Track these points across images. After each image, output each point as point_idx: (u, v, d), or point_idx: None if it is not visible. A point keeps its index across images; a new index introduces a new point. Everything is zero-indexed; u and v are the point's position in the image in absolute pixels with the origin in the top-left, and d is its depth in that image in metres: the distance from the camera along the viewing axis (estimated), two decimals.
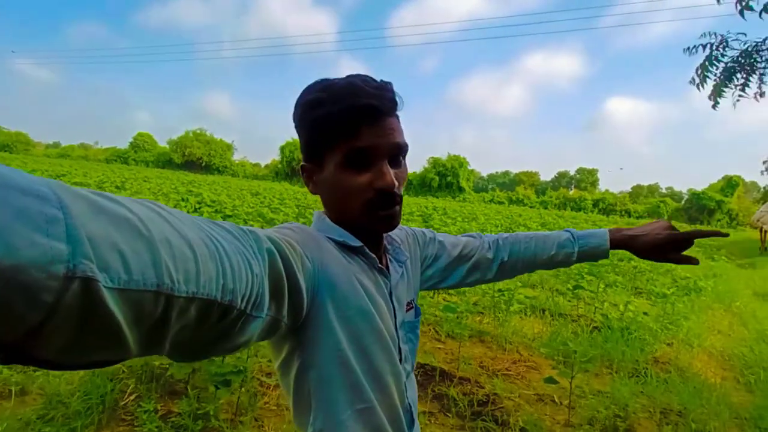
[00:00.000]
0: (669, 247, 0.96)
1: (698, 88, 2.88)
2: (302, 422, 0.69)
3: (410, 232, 0.94)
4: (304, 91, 0.71)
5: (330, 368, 0.65)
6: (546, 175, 78.50)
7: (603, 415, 2.73)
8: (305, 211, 12.47)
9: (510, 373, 3.44)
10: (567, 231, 1.04)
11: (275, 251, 0.50)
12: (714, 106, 2.92)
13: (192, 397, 2.34)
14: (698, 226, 26.19)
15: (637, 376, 3.51)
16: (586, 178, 70.86)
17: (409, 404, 0.78)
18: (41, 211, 0.25)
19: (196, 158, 52.21)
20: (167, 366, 2.58)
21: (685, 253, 0.97)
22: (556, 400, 3.03)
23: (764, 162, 20.74)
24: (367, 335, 0.68)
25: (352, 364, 0.66)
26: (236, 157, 58.48)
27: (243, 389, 2.47)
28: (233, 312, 0.41)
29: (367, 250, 0.73)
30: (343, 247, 0.72)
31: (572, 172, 74.35)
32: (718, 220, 36.56)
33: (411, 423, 0.77)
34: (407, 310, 0.82)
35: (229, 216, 8.11)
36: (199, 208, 9.62)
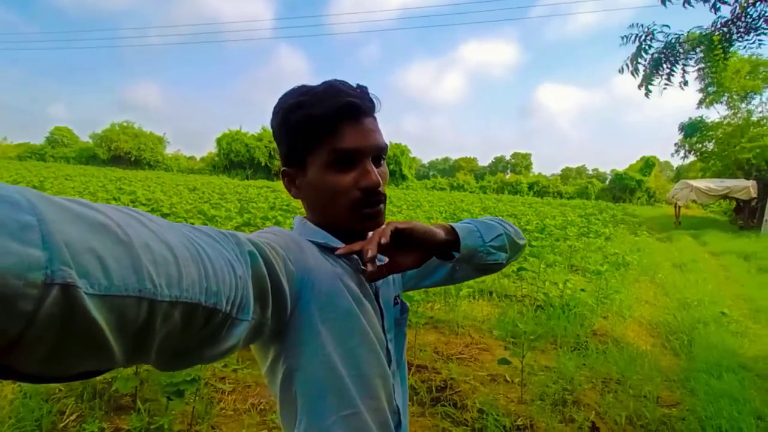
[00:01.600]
0: None
1: (633, 75, 3.08)
2: (288, 426, 0.68)
3: None
4: (282, 97, 0.72)
5: (315, 372, 0.64)
6: (484, 161, 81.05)
7: (552, 390, 2.89)
8: (248, 205, 12.06)
9: (464, 356, 3.55)
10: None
11: (257, 254, 0.49)
12: (646, 94, 3.14)
13: (142, 411, 2.20)
14: (622, 205, 28.20)
15: (579, 350, 3.75)
16: (521, 162, 74.14)
17: (397, 406, 0.76)
18: (14, 218, 0.25)
19: (123, 153, 48.56)
20: (110, 380, 2.39)
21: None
22: (509, 378, 3.17)
23: (675, 144, 22.65)
24: (353, 338, 0.67)
25: (338, 368, 0.65)
26: (169, 150, 55.07)
27: (197, 398, 2.35)
28: (218, 315, 0.40)
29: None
30: (326, 249, 0.71)
31: (508, 157, 77.47)
32: (638, 198, 39.74)
33: (399, 425, 0.77)
34: (394, 305, 0.82)
35: (167, 215, 7.65)
36: (134, 207, 8.98)
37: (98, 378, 2.42)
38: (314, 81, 0.73)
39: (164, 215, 7.58)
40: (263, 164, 44.71)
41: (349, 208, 0.70)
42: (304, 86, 0.71)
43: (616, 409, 2.77)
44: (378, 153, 0.72)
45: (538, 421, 2.57)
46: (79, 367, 0.31)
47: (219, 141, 45.81)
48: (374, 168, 0.70)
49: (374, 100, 0.72)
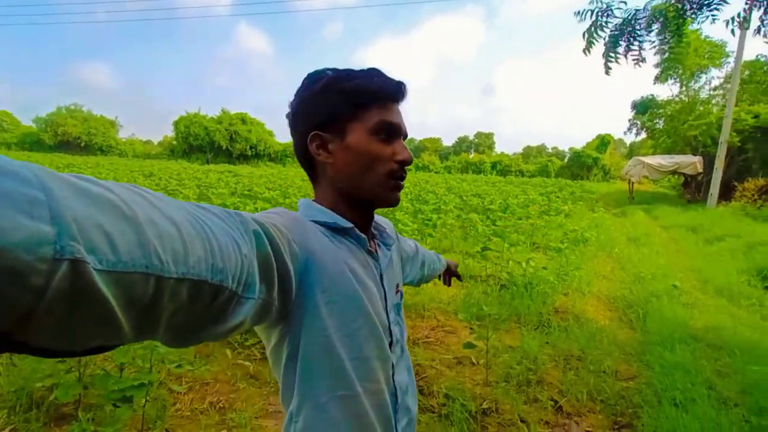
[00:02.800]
0: (454, 274, 1.49)
1: (585, 53, 3.06)
2: (286, 402, 0.70)
3: (390, 224, 0.97)
4: (317, 72, 0.74)
5: (316, 353, 0.66)
6: (448, 141, 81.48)
7: (516, 371, 2.92)
8: (207, 191, 11.63)
9: (430, 340, 3.54)
10: (438, 256, 1.35)
11: (262, 233, 0.50)
12: (607, 72, 3.14)
13: (84, 420, 2.04)
14: (580, 182, 29.19)
15: (542, 327, 3.82)
16: (484, 141, 75.23)
17: (396, 388, 0.78)
18: (23, 193, 0.25)
19: (72, 138, 45.61)
20: (51, 387, 2.21)
21: None
22: (474, 360, 3.18)
23: (628, 121, 23.52)
24: (355, 320, 0.69)
25: (338, 351, 0.66)
26: (123, 135, 52.32)
27: (148, 401, 2.21)
28: (224, 293, 0.41)
29: (358, 232, 0.74)
30: (332, 230, 0.73)
31: (471, 137, 78.28)
32: (595, 175, 41.18)
33: (397, 407, 0.78)
34: (396, 293, 0.84)
35: None
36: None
37: (37, 385, 2.23)
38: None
39: None
40: (224, 147, 43.26)
41: (385, 175, 0.74)
42: (338, 69, 0.75)
43: (578, 386, 2.83)
44: (406, 136, 0.78)
45: (503, 403, 2.59)
46: (89, 342, 0.32)
47: (176, 124, 43.89)
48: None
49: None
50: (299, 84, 0.76)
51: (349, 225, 0.73)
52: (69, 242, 0.26)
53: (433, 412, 2.51)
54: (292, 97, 0.77)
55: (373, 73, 0.73)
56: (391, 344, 0.77)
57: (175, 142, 45.72)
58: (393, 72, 0.75)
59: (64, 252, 0.26)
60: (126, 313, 0.31)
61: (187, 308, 0.38)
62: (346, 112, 0.72)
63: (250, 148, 44.63)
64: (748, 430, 2.29)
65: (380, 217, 0.93)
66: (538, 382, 2.84)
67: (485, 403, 2.59)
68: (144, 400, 2.15)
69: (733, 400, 2.65)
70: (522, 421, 2.45)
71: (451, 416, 2.44)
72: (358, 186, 0.74)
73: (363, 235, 0.75)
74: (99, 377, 2.02)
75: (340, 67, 0.75)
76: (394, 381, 0.78)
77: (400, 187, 0.77)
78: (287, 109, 0.78)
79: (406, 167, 0.76)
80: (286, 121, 0.79)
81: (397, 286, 0.86)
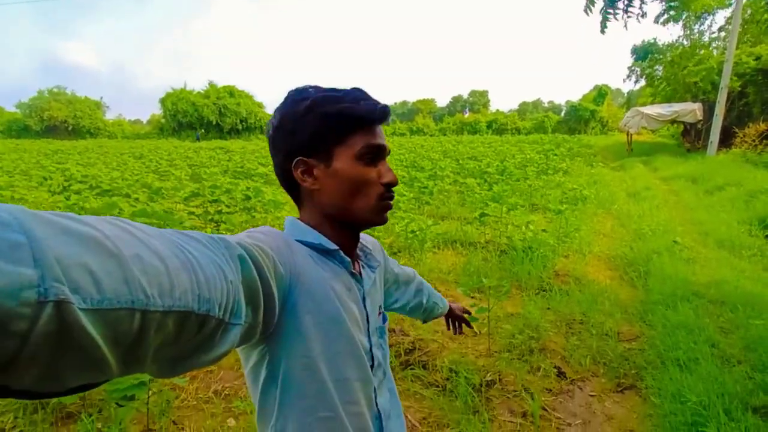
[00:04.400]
0: (459, 318, 1.43)
1: (586, 12, 2.89)
2: (264, 425, 0.70)
3: (377, 244, 0.96)
4: (299, 90, 0.72)
5: (297, 374, 0.65)
6: (442, 101, 79.77)
7: (519, 340, 2.91)
8: (199, 170, 11.47)
9: None
10: (443, 300, 1.31)
11: (247, 257, 0.49)
12: (602, 31, 2.97)
13: (87, 420, 2.03)
14: (577, 136, 28.83)
15: (543, 292, 3.81)
16: (479, 100, 73.69)
17: (379, 411, 0.78)
18: (3, 238, 0.25)
19: (59, 122, 44.50)
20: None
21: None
22: (476, 330, 3.17)
23: (628, 68, 22.93)
24: (337, 342, 0.69)
25: (320, 372, 0.66)
26: (109, 116, 51.15)
27: (152, 398, 2.21)
28: (211, 322, 0.41)
29: (342, 254, 0.74)
30: (316, 251, 0.72)
31: (466, 96, 76.73)
32: (593, 128, 40.52)
33: (380, 430, 0.78)
34: (378, 315, 0.83)
35: (108, 191, 7.07)
36: (69, 186, 8.16)
37: None
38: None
39: (105, 192, 7.01)
40: (214, 123, 42.42)
41: (375, 198, 0.74)
42: (321, 87, 0.73)
43: (581, 351, 2.83)
44: (389, 153, 0.78)
45: (507, 374, 2.59)
46: (75, 382, 0.31)
47: (163, 102, 42.73)
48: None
49: None
50: (281, 101, 0.74)
51: (334, 247, 0.73)
52: (53, 284, 0.26)
53: (437, 387, 2.52)
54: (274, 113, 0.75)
55: (359, 96, 0.72)
56: (372, 367, 0.77)
57: (163, 120, 44.55)
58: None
59: (48, 294, 0.26)
60: (113, 350, 0.31)
61: (173, 339, 0.37)
62: (331, 136, 0.71)
63: (241, 121, 43.60)
64: (752, 387, 2.29)
65: (366, 237, 0.93)
66: (540, 349, 2.84)
67: (489, 374, 2.59)
68: (147, 396, 2.15)
69: (737, 357, 2.65)
70: (526, 390, 2.46)
71: (455, 390, 2.45)
72: (346, 211, 0.74)
73: (347, 258, 0.75)
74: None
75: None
76: (377, 404, 0.78)
77: (389, 208, 0.77)
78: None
79: (392, 188, 0.76)
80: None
81: (380, 308, 0.85)
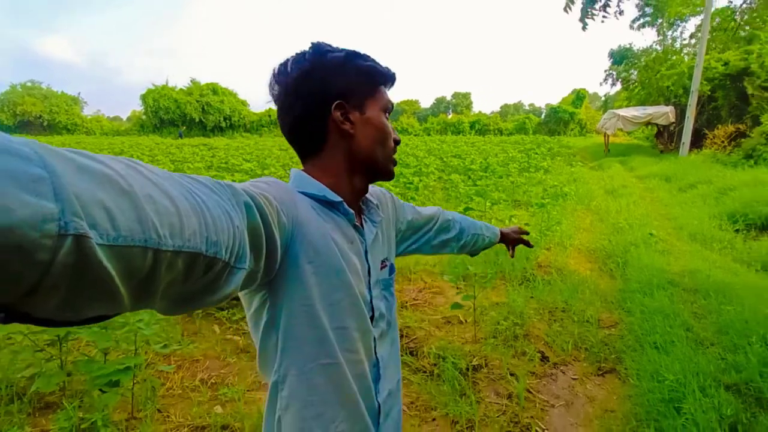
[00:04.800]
0: (517, 241, 1.45)
1: (566, 10, 2.98)
2: (267, 369, 0.72)
3: (388, 195, 0.98)
4: (321, 44, 0.76)
5: (298, 322, 0.67)
6: (426, 102, 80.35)
7: (504, 326, 2.98)
8: (182, 166, 11.29)
9: (418, 302, 3.58)
10: (486, 224, 1.32)
11: (253, 205, 0.51)
12: (583, 28, 3.07)
13: (69, 408, 1.99)
14: (557, 137, 29.41)
15: (527, 282, 3.90)
16: (462, 101, 74.46)
17: (377, 359, 0.80)
18: (26, 172, 0.26)
19: (33, 117, 43.07)
20: (33, 377, 2.14)
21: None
22: (462, 319, 3.24)
23: (604, 71, 23.56)
24: (336, 291, 0.70)
25: (320, 319, 0.68)
26: (87, 112, 49.71)
27: (137, 385, 2.19)
28: (218, 264, 0.42)
29: (346, 206, 0.75)
30: (320, 203, 0.74)
31: (449, 97, 77.37)
32: (572, 130, 41.33)
33: (378, 378, 0.80)
34: (381, 268, 0.85)
35: None
36: None
37: (17, 376, 2.16)
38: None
39: None
40: (197, 120, 41.69)
41: (392, 149, 0.81)
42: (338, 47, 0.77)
43: (563, 337, 2.92)
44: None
45: (492, 359, 2.66)
46: (90, 312, 0.33)
47: (144, 98, 41.76)
48: None
49: None
50: (301, 50, 0.76)
51: (338, 199, 0.74)
52: (72, 218, 0.27)
53: (425, 372, 2.57)
54: (283, 65, 0.75)
55: (375, 59, 0.79)
56: (373, 318, 0.79)
57: (144, 117, 43.57)
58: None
59: (68, 228, 0.27)
60: (125, 285, 0.33)
61: (182, 279, 0.39)
62: (365, 88, 0.77)
63: (224, 119, 43.04)
64: (724, 366, 2.41)
65: (375, 188, 0.94)
66: (525, 335, 2.92)
67: (475, 359, 2.65)
68: (132, 383, 2.13)
69: (710, 339, 2.77)
70: (511, 374, 2.52)
71: (442, 375, 2.50)
72: (372, 157, 0.79)
73: (351, 210, 0.76)
74: (82, 363, 1.97)
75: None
76: (376, 354, 0.80)
77: (396, 162, 0.84)
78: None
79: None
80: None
81: (384, 261, 0.87)
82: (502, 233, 1.38)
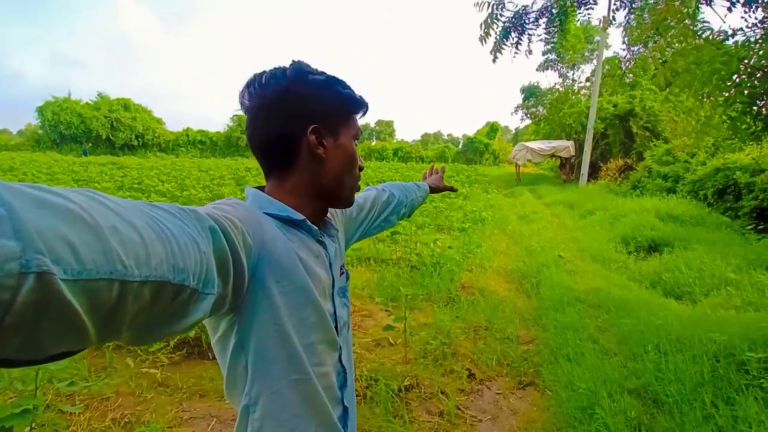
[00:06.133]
0: (444, 188, 1.57)
1: (481, 42, 3.26)
2: (235, 394, 0.72)
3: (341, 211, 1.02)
4: (303, 64, 0.77)
5: (269, 341, 0.68)
6: None
7: (432, 346, 3.07)
8: (88, 185, 10.30)
9: None
10: (416, 183, 1.41)
11: (218, 229, 0.51)
12: (494, 61, 3.38)
13: None
14: (474, 166, 31.26)
15: (452, 302, 4.06)
16: (385, 129, 76.69)
17: (343, 367, 0.82)
18: None
19: None
20: None
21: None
22: (392, 341, 3.28)
23: (515, 106, 25.88)
24: (305, 308, 0.72)
25: (290, 338, 0.69)
26: None
27: (34, 430, 1.94)
28: (186, 291, 0.43)
29: (309, 223, 0.76)
30: (283, 222, 0.74)
31: (373, 125, 79.36)
32: (486, 159, 44.28)
33: (344, 384, 0.83)
34: (340, 275, 0.87)
35: None
36: None
37: None
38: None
39: None
40: (104, 137, 38.30)
41: (358, 177, 0.85)
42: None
43: (488, 354, 3.07)
44: None
45: (423, 378, 2.72)
46: (54, 349, 0.32)
47: (42, 111, 37.49)
48: None
49: None
50: (280, 66, 0.76)
51: (301, 217, 0.75)
52: (34, 255, 0.27)
53: (358, 395, 2.55)
54: (260, 77, 0.75)
55: (350, 86, 0.81)
56: (337, 328, 0.81)
57: (41, 131, 39.25)
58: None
59: (30, 265, 0.27)
60: (92, 318, 0.32)
61: (149, 308, 0.38)
62: (342, 115, 0.80)
63: (136, 137, 40.01)
64: (626, 373, 2.69)
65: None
66: (453, 354, 3.02)
67: (406, 380, 2.69)
68: (29, 427, 1.88)
69: (613, 350, 3.08)
70: (441, 392, 2.60)
71: (375, 397, 2.50)
72: (340, 184, 0.81)
73: (314, 227, 0.78)
74: None
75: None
76: (342, 362, 0.82)
77: (359, 189, 0.89)
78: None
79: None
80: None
81: (342, 268, 0.90)
82: (430, 187, 1.50)
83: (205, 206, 0.58)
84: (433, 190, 1.51)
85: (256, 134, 0.76)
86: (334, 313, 0.81)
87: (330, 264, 0.81)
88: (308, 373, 0.72)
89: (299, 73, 0.75)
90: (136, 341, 0.43)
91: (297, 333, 0.70)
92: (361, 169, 0.85)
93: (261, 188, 0.81)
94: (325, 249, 0.81)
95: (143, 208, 0.41)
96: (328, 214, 0.90)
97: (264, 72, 0.75)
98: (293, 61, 0.77)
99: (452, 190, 1.60)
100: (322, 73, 0.78)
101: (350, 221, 1.06)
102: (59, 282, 0.28)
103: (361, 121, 0.85)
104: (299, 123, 0.74)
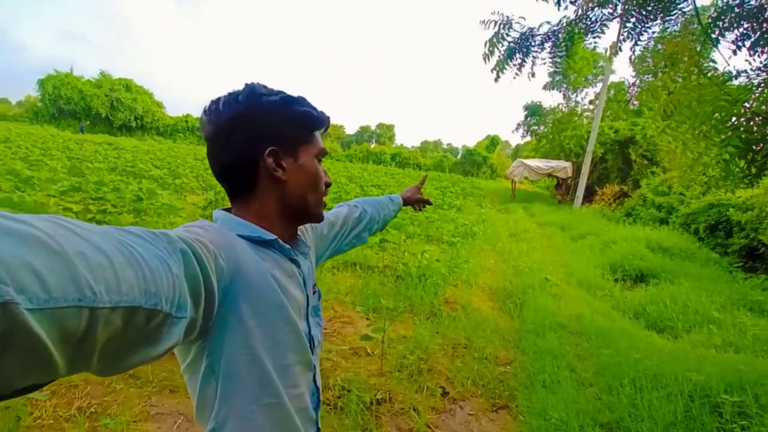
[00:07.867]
0: (419, 201, 1.54)
1: (485, 61, 3.26)
2: (204, 418, 0.70)
3: (307, 226, 1.00)
4: (258, 86, 0.76)
5: (239, 365, 0.66)
6: (350, 129, 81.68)
7: (409, 360, 3.04)
8: (81, 164, 10.20)
9: (327, 331, 3.53)
10: (389, 197, 1.40)
11: (189, 251, 0.50)
12: (496, 80, 3.39)
13: None
14: (470, 178, 31.44)
15: (434, 317, 4.03)
16: (385, 133, 76.92)
17: (316, 387, 0.82)
18: None
19: None
20: None
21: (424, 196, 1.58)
22: (370, 351, 3.24)
23: (517, 123, 26.10)
24: (281, 329, 0.71)
25: (262, 361, 0.68)
26: None
27: None
28: (159, 316, 0.42)
29: (282, 243, 0.76)
30: (254, 242, 0.73)
31: (373, 127, 79.45)
32: (484, 172, 44.47)
33: (317, 404, 0.82)
34: (313, 294, 0.87)
35: None
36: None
37: None
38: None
39: None
40: (103, 115, 38.00)
41: (323, 193, 0.84)
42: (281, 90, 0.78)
43: (463, 373, 3.04)
44: None
45: (396, 393, 2.68)
46: (21, 383, 0.31)
47: (43, 84, 37.14)
48: None
49: None
50: (235, 90, 0.75)
51: (272, 237, 0.75)
52: None
53: (329, 405, 2.51)
54: (215, 103, 0.74)
55: (310, 103, 0.81)
56: (312, 348, 0.80)
57: (40, 104, 38.81)
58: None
59: None
60: (60, 349, 0.31)
61: (121, 335, 0.38)
62: (300, 134, 0.79)
63: (135, 119, 39.72)
64: (600, 406, 2.67)
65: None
66: (429, 370, 2.99)
67: (379, 393, 2.65)
68: None
69: (589, 380, 3.06)
70: (413, 409, 2.56)
71: (345, 408, 2.46)
72: (304, 203, 0.80)
73: (287, 246, 0.77)
74: None
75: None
76: (315, 382, 0.82)
77: (325, 204, 0.88)
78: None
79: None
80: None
81: (314, 287, 0.89)
82: (404, 199, 1.48)
83: (175, 229, 0.58)
84: (407, 202, 1.50)
85: (216, 160, 0.76)
86: (309, 332, 0.80)
87: (304, 283, 0.81)
88: (281, 396, 0.71)
89: (252, 96, 0.74)
90: (108, 371, 0.42)
91: (271, 355, 0.69)
92: (328, 185, 0.85)
93: (228, 209, 0.79)
94: (298, 267, 0.80)
95: (111, 232, 0.40)
96: (299, 232, 0.90)
97: (220, 98, 0.74)
98: (246, 84, 0.76)
99: (427, 203, 1.57)
100: (278, 92, 0.77)
101: (321, 239, 1.05)
102: (24, 312, 0.27)
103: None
104: (255, 146, 0.74)
